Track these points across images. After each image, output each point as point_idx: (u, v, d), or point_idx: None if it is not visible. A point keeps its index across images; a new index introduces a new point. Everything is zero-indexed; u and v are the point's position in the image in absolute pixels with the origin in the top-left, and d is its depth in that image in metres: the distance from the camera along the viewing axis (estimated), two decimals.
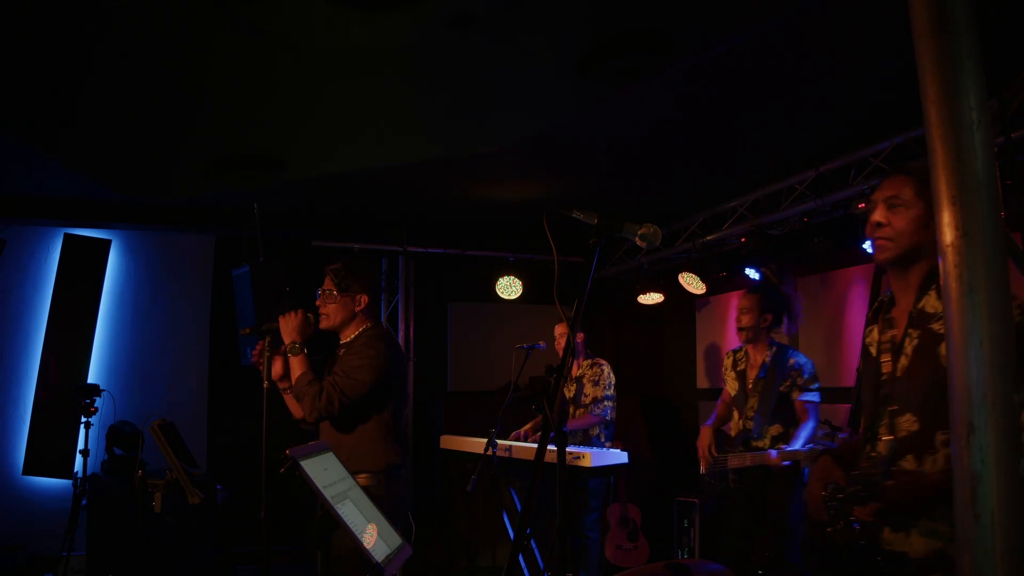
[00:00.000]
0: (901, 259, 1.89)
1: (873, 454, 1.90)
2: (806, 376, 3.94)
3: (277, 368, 3.10)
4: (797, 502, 3.83)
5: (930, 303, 1.85)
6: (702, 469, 4.22)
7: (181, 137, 4.21)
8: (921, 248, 1.87)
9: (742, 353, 4.22)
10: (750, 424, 4.03)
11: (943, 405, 1.77)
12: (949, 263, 1.11)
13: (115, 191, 5.38)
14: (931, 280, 1.86)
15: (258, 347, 3.05)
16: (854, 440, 2.50)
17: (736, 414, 4.17)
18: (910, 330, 1.88)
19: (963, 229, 1.10)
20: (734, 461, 3.97)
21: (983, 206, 1.10)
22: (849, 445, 2.39)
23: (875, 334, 2.03)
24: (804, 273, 5.52)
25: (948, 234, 1.12)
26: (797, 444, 3.78)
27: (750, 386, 4.09)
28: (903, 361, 1.88)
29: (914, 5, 1.16)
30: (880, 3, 2.82)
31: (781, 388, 3.96)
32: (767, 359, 4.06)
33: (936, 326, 1.82)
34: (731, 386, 4.24)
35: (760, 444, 3.97)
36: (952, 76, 1.12)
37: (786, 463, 3.73)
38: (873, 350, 2.01)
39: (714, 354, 6.55)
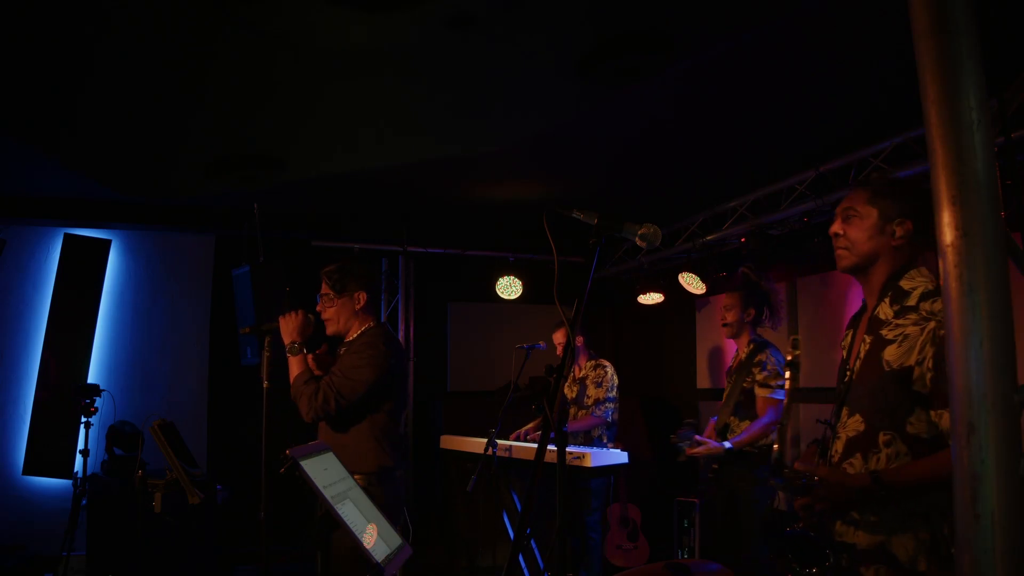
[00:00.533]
0: (858, 267, 2.01)
1: (831, 453, 2.01)
2: (765, 372, 4.04)
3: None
4: (763, 494, 3.89)
5: (883, 310, 1.95)
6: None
7: (181, 137, 4.21)
8: (877, 255, 1.98)
9: (735, 350, 4.39)
10: (725, 418, 4.19)
11: (886, 407, 1.87)
12: (949, 263, 1.11)
13: (115, 191, 5.38)
14: (887, 287, 1.96)
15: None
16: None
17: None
18: (865, 336, 1.99)
19: (963, 229, 1.10)
20: (695, 450, 4.09)
21: (983, 206, 1.10)
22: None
23: (848, 338, 2.13)
24: (804, 273, 5.52)
25: (948, 234, 1.12)
26: (739, 437, 3.97)
27: (729, 379, 4.27)
28: (857, 365, 1.98)
29: (914, 5, 1.16)
30: (880, 3, 2.82)
31: (743, 383, 4.10)
32: (743, 355, 4.19)
33: (884, 332, 1.92)
34: (726, 382, 4.40)
35: (730, 437, 4.09)
36: (952, 76, 1.12)
37: (718, 450, 3.95)
38: (845, 353, 2.12)
39: (714, 354, 6.55)
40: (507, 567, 1.78)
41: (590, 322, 6.40)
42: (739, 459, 3.99)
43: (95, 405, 4.76)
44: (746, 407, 4.10)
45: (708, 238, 5.58)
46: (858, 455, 1.91)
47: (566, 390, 5.10)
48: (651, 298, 6.38)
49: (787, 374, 2.06)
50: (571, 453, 4.32)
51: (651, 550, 5.45)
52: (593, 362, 5.09)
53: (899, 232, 1.94)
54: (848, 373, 2.02)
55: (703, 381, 6.66)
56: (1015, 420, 1.08)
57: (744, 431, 4.01)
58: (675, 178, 5.29)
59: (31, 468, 5.54)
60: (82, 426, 4.72)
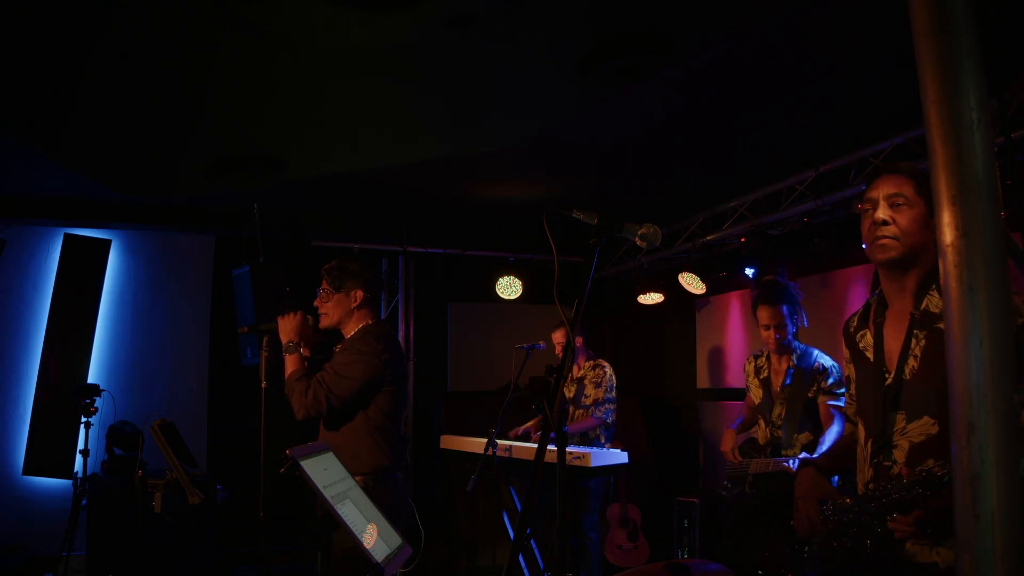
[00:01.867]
0: (904, 259, 1.84)
1: (887, 463, 1.83)
2: (832, 380, 3.80)
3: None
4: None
5: (933, 303, 1.81)
6: (726, 472, 4.10)
7: (181, 137, 4.21)
8: (923, 247, 1.83)
9: (763, 359, 4.09)
10: (779, 432, 3.89)
11: None
12: (949, 263, 1.11)
13: (115, 191, 5.38)
14: (931, 280, 1.82)
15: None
16: (836, 449, 2.42)
17: (762, 421, 4.03)
18: (916, 331, 1.83)
19: (963, 229, 1.10)
20: (755, 467, 3.85)
21: (983, 206, 1.10)
22: (831, 456, 2.32)
23: (869, 337, 1.97)
24: (804, 273, 5.51)
25: (948, 234, 1.11)
26: (822, 450, 3.64)
27: (776, 392, 3.95)
28: (912, 363, 1.82)
29: (914, 5, 1.16)
30: (880, 3, 2.82)
31: (808, 394, 3.83)
32: (792, 364, 3.92)
33: (943, 325, 1.76)
34: (755, 394, 4.11)
35: (789, 453, 3.82)
36: (952, 76, 1.12)
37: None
38: (870, 354, 1.95)
39: (714, 354, 6.55)
40: (507, 567, 1.78)
41: (590, 322, 6.41)
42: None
43: (95, 405, 4.76)
44: (810, 419, 3.83)
45: (708, 238, 5.58)
46: (930, 461, 1.73)
47: (564, 390, 5.10)
48: (651, 298, 6.38)
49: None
50: (571, 453, 4.31)
51: (651, 550, 5.45)
52: (592, 362, 5.08)
53: None
54: (887, 375, 1.86)
55: (703, 381, 6.66)
56: (1015, 420, 1.07)
57: (822, 443, 3.68)
58: (675, 178, 5.29)
59: (31, 468, 5.54)
60: (82, 426, 4.72)
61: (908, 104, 2.89)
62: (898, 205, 1.84)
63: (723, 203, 5.46)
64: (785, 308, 3.93)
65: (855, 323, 2.07)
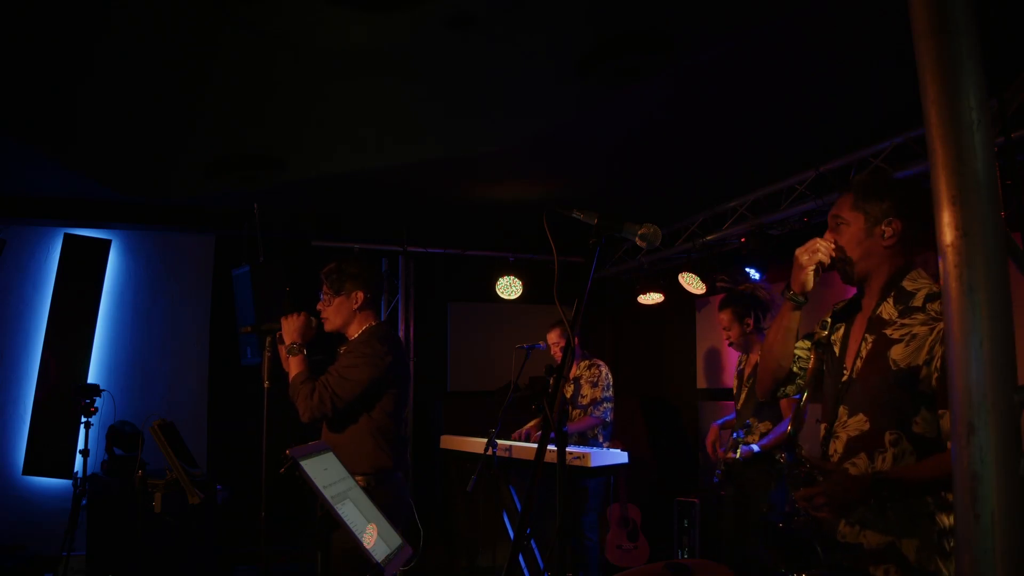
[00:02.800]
0: (860, 276, 1.98)
1: (830, 452, 1.97)
2: None
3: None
4: (775, 497, 3.91)
5: (886, 310, 1.93)
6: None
7: (181, 137, 4.21)
8: (868, 257, 1.94)
9: (744, 356, 4.41)
10: (742, 422, 4.21)
11: (891, 406, 1.84)
12: (949, 263, 1.11)
13: (115, 191, 5.38)
14: (889, 287, 1.94)
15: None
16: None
17: (737, 413, 4.35)
18: (867, 335, 1.95)
19: (963, 229, 1.10)
20: (731, 454, 4.10)
21: (983, 206, 1.10)
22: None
23: (840, 332, 2.08)
24: None
25: (948, 234, 1.12)
26: (768, 439, 3.96)
27: (744, 382, 4.29)
28: (858, 364, 1.95)
29: (914, 5, 1.16)
30: (880, 3, 2.82)
31: None
32: (758, 359, 4.10)
33: (890, 331, 1.89)
34: (734, 386, 4.43)
35: (749, 440, 4.10)
36: (952, 76, 1.12)
37: (745, 453, 3.96)
38: (836, 349, 2.06)
39: (714, 354, 6.55)
40: (507, 567, 1.78)
41: (590, 322, 6.41)
42: (756, 461, 3.98)
43: (95, 405, 4.76)
44: (767, 409, 4.11)
45: (708, 238, 5.58)
46: (862, 454, 1.88)
47: (563, 390, 5.10)
48: (651, 298, 6.38)
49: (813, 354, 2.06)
50: (571, 453, 4.31)
51: (651, 550, 5.45)
52: (587, 362, 5.08)
53: (888, 232, 1.90)
54: (844, 372, 1.98)
55: (703, 381, 6.66)
56: (1015, 420, 1.07)
57: (771, 433, 4.01)
58: (675, 178, 5.29)
59: (31, 468, 5.54)
60: (82, 426, 4.72)
61: (908, 104, 2.89)
62: (837, 226, 1.98)
63: (723, 203, 5.46)
64: (734, 310, 4.28)
65: (839, 312, 2.16)
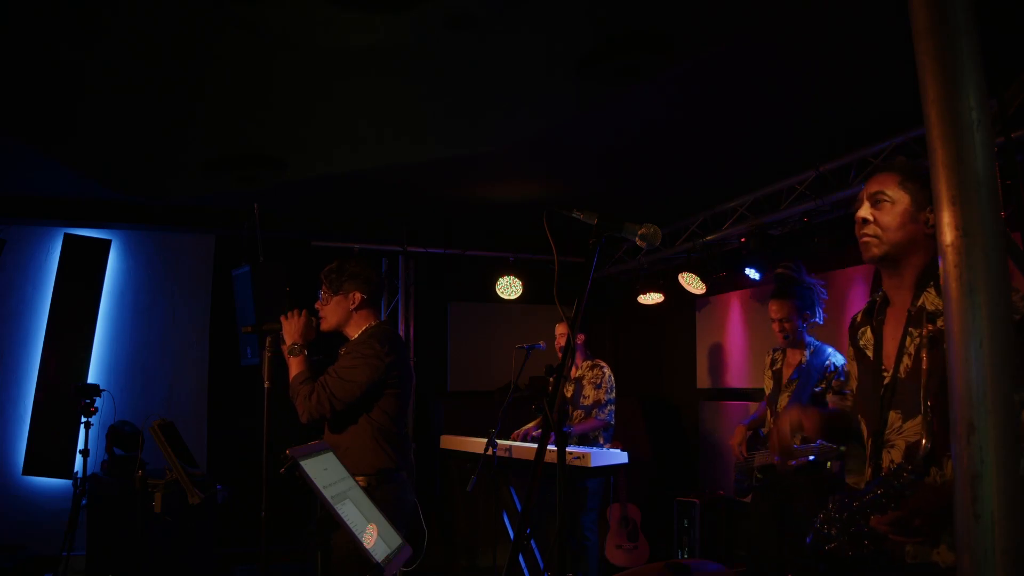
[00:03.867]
0: (889, 256, 1.84)
1: (884, 463, 1.79)
2: (841, 378, 3.76)
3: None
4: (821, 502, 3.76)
5: (930, 300, 1.78)
6: (735, 467, 4.21)
7: (181, 137, 4.21)
8: (911, 243, 1.81)
9: (780, 352, 4.17)
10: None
11: None
12: (949, 263, 1.11)
13: (115, 191, 5.38)
14: (928, 276, 1.79)
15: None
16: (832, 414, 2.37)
17: (769, 412, 4.11)
18: (910, 329, 1.80)
19: (963, 229, 1.10)
20: (759, 459, 3.93)
21: (983, 206, 1.10)
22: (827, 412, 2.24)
23: (869, 334, 1.95)
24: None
25: (948, 234, 1.11)
26: (814, 444, 3.61)
27: (784, 385, 4.04)
28: (906, 362, 1.80)
29: (914, 5, 1.16)
30: (880, 3, 2.82)
31: (816, 388, 3.88)
32: (803, 359, 3.99)
33: (942, 323, 1.69)
34: (767, 385, 4.20)
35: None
36: (952, 76, 1.12)
37: (801, 461, 3.61)
38: (870, 352, 1.92)
39: (714, 354, 6.55)
40: (507, 567, 1.78)
41: (589, 322, 6.41)
42: (807, 470, 3.73)
43: (95, 405, 4.75)
44: None
45: (708, 238, 5.58)
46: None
47: (563, 390, 5.09)
48: (651, 298, 6.38)
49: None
50: (571, 453, 4.31)
51: (651, 550, 5.45)
52: (590, 362, 5.08)
53: (932, 220, 1.70)
54: (885, 373, 1.83)
55: (703, 381, 6.66)
56: (1015, 420, 1.07)
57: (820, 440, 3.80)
58: (675, 178, 5.29)
59: (31, 468, 5.54)
60: (82, 426, 4.72)
61: (908, 104, 2.89)
62: (880, 203, 1.84)
63: (723, 203, 5.46)
64: (795, 302, 3.99)
65: (859, 319, 2.05)
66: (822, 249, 4.81)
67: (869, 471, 1.85)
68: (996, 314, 1.08)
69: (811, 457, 3.62)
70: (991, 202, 1.11)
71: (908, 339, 1.80)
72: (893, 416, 1.80)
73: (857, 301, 4.99)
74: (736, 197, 5.32)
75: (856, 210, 1.91)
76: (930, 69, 1.14)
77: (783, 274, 4.13)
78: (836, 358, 3.93)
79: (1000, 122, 2.37)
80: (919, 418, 1.72)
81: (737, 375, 6.27)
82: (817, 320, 4.06)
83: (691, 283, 5.82)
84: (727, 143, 4.58)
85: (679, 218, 5.92)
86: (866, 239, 1.85)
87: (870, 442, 1.87)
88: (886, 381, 1.83)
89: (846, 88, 3.72)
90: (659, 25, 3.02)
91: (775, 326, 4.05)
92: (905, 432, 1.77)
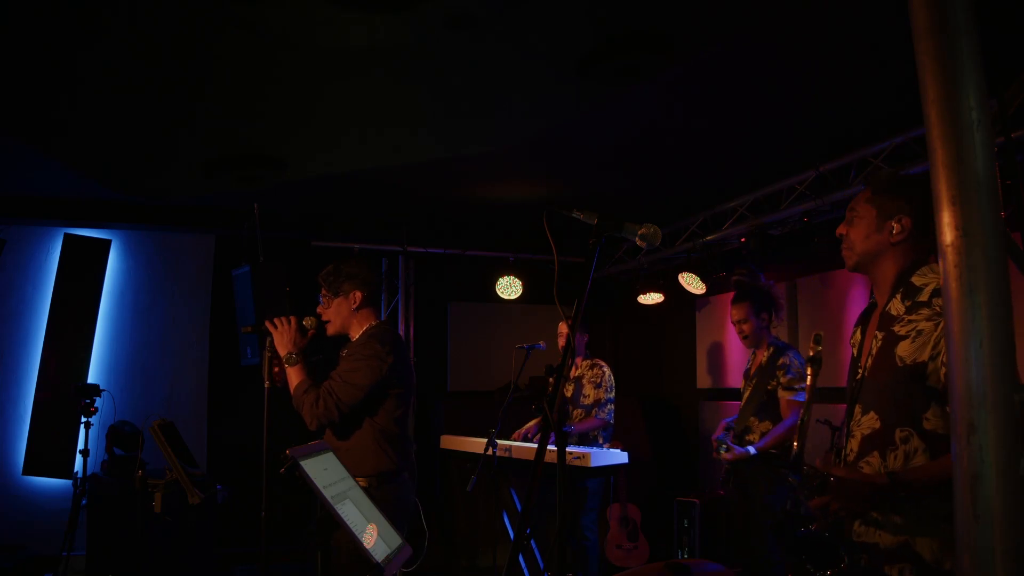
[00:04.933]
0: (860, 265, 2.03)
1: (845, 451, 1.99)
2: (789, 375, 4.09)
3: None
4: (779, 495, 3.93)
5: (894, 306, 1.95)
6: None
7: (181, 137, 4.21)
8: (877, 253, 1.99)
9: (752, 354, 4.43)
10: (744, 421, 4.22)
11: (900, 403, 1.84)
12: (949, 263, 1.11)
13: (115, 191, 5.38)
14: (898, 283, 1.96)
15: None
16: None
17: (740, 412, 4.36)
18: (877, 332, 1.97)
19: (963, 229, 1.10)
20: (725, 455, 4.14)
21: (983, 206, 1.10)
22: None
23: (858, 335, 2.12)
24: (804, 273, 5.52)
25: (948, 234, 1.12)
26: (765, 440, 3.99)
27: (749, 384, 4.30)
28: (869, 362, 1.97)
29: (914, 5, 1.16)
30: (880, 3, 2.82)
31: (768, 386, 4.15)
32: (763, 359, 4.25)
33: (897, 328, 1.91)
34: (742, 385, 4.44)
35: (750, 439, 4.12)
36: (952, 76, 1.12)
37: (729, 456, 4.01)
38: (855, 351, 2.10)
39: (714, 354, 6.55)
40: (507, 567, 1.78)
41: (589, 322, 6.41)
42: (756, 459, 4.02)
43: (95, 405, 4.75)
44: (769, 409, 4.14)
45: (708, 238, 5.58)
46: (875, 453, 1.89)
47: (563, 389, 5.09)
48: (651, 298, 6.38)
49: (808, 371, 2.07)
50: (571, 453, 4.31)
51: (651, 550, 5.45)
52: (589, 362, 5.08)
53: (896, 229, 1.94)
54: (860, 371, 2.01)
55: (703, 381, 6.66)
56: (1015, 420, 1.07)
57: (769, 433, 4.04)
58: (675, 178, 5.29)
59: (31, 468, 5.54)
60: (82, 426, 4.72)
61: (908, 104, 2.89)
62: (851, 219, 2.04)
63: (723, 203, 5.46)
64: (751, 305, 4.26)
65: (861, 316, 2.19)
66: (822, 249, 4.81)
67: (832, 456, 2.06)
68: (996, 314, 1.08)
69: (750, 449, 4.02)
70: (991, 202, 1.11)
71: (874, 341, 1.98)
72: (857, 409, 1.98)
73: (856, 301, 5.00)
74: (736, 197, 5.32)
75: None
76: (930, 69, 1.14)
77: (738, 280, 4.43)
78: (790, 357, 4.15)
79: (1000, 122, 2.38)
80: (871, 413, 1.92)
81: (737, 375, 6.26)
82: (776, 322, 4.33)
83: (691, 283, 5.82)
84: (727, 143, 4.58)
85: (679, 218, 5.92)
86: (843, 252, 2.08)
87: (840, 432, 2.07)
88: (858, 377, 2.00)
89: (846, 88, 3.72)
90: (659, 25, 3.02)
91: (735, 328, 4.36)
92: (862, 425, 1.95)
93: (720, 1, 2.87)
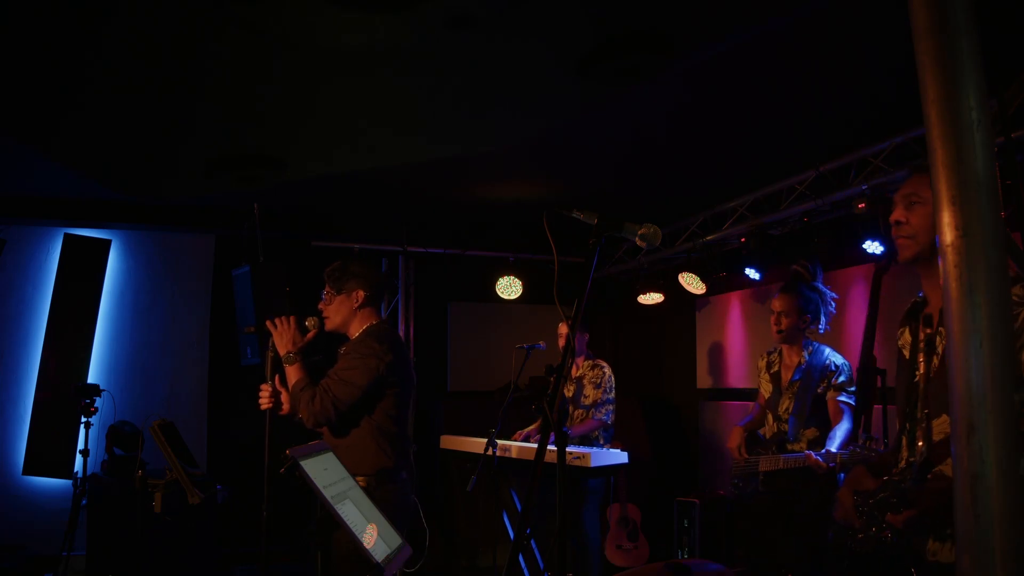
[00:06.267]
0: (921, 257, 1.86)
1: (912, 459, 1.83)
2: (843, 378, 3.79)
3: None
4: (822, 503, 3.60)
5: None
6: (733, 470, 4.05)
7: (181, 137, 4.21)
8: None
9: (776, 354, 4.08)
10: (784, 427, 3.87)
11: None
12: (949, 263, 1.11)
13: (115, 191, 5.38)
14: None
15: (265, 391, 3.04)
16: (888, 451, 2.41)
17: (770, 416, 3.99)
18: (940, 328, 1.82)
19: (963, 229, 1.10)
20: (765, 464, 3.83)
21: (983, 206, 1.10)
22: (884, 456, 2.26)
23: (907, 335, 1.98)
24: None
25: (948, 234, 1.12)
26: (833, 446, 3.57)
27: (784, 387, 3.94)
28: (935, 361, 1.82)
29: (914, 5, 1.16)
30: (880, 3, 2.82)
31: (818, 390, 3.83)
32: (803, 360, 3.91)
33: None
34: (764, 388, 4.10)
35: (795, 447, 3.79)
36: (952, 76, 1.12)
37: (831, 465, 3.49)
38: (906, 352, 1.96)
39: (714, 354, 6.55)
40: (507, 567, 1.78)
41: (589, 322, 6.41)
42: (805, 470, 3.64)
43: (95, 405, 4.76)
44: (817, 415, 3.81)
45: (708, 238, 5.58)
46: (948, 460, 1.73)
47: (563, 389, 5.09)
48: (651, 298, 6.38)
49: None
50: (571, 453, 4.31)
51: (651, 550, 5.45)
52: (590, 362, 5.08)
53: None
54: (916, 372, 1.87)
55: (703, 381, 6.66)
56: (1015, 420, 1.07)
57: (830, 439, 3.61)
58: (675, 178, 5.29)
59: (31, 468, 5.54)
60: (82, 426, 4.72)
61: (908, 104, 2.89)
62: (913, 204, 1.86)
63: (723, 203, 5.46)
64: (799, 301, 3.91)
65: (900, 320, 2.07)
66: (822, 249, 4.80)
67: (902, 464, 1.88)
68: (996, 314, 1.08)
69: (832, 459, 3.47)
70: (991, 202, 1.11)
71: (938, 338, 1.82)
72: (921, 415, 1.83)
73: (856, 301, 4.99)
74: (736, 197, 5.32)
75: (891, 213, 1.93)
76: (930, 69, 1.14)
77: (796, 271, 4.04)
78: (835, 357, 3.88)
79: (1000, 122, 2.37)
80: (943, 416, 1.75)
81: (737, 375, 6.27)
82: (818, 328, 3.96)
83: (691, 283, 5.82)
84: (727, 143, 4.58)
85: (679, 218, 5.92)
86: (901, 241, 1.88)
87: (904, 438, 1.89)
88: (915, 379, 1.86)
89: (846, 88, 3.72)
90: (659, 25, 3.02)
91: (772, 318, 3.98)
92: (935, 429, 1.80)
93: (720, 1, 2.87)
